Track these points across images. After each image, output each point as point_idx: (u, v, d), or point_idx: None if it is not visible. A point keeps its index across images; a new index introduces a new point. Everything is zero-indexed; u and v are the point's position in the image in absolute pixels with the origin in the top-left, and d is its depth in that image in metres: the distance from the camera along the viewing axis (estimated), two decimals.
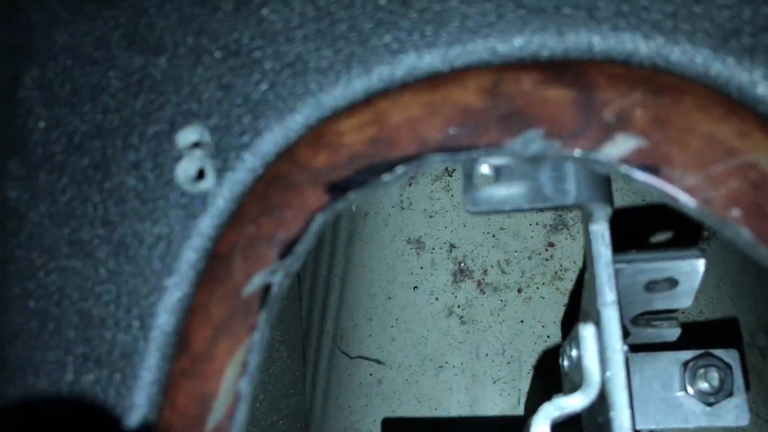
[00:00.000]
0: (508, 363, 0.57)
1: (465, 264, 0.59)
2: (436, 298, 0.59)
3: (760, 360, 0.58)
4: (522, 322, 0.57)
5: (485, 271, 0.59)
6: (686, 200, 0.22)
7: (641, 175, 0.23)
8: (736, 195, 0.22)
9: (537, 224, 0.59)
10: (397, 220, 0.62)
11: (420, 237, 0.61)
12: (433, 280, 0.59)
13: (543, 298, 0.57)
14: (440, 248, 0.60)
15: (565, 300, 0.57)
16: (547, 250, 0.58)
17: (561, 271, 0.58)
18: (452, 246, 0.60)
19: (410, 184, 0.62)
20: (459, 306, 0.58)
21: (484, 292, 0.58)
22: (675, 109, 0.23)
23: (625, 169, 0.23)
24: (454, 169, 0.61)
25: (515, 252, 0.59)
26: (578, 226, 0.58)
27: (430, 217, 0.61)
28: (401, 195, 0.62)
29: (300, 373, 0.64)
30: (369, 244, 0.63)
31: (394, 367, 0.59)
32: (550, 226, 0.58)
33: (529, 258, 0.58)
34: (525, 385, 0.56)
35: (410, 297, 0.60)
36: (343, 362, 0.62)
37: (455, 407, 0.57)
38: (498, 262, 0.59)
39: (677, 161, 0.22)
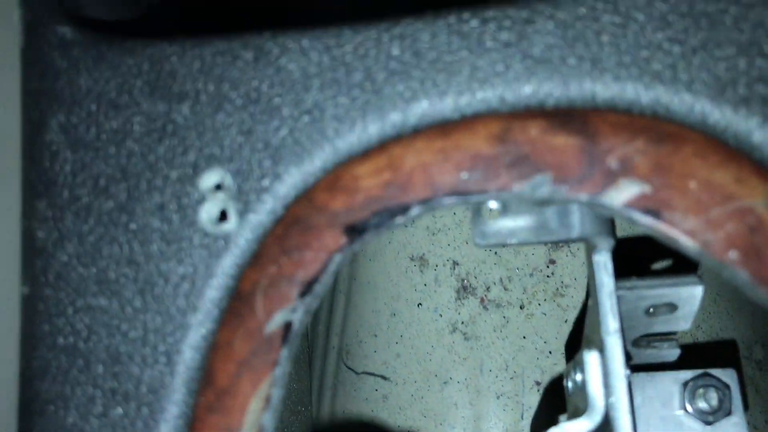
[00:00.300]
0: (511, 378, 0.58)
1: (468, 281, 0.60)
2: (440, 315, 0.60)
3: (757, 373, 0.59)
4: (524, 338, 0.58)
5: (488, 288, 0.60)
6: (686, 242, 0.24)
7: (644, 219, 0.24)
8: (733, 238, 0.23)
9: None
10: (400, 238, 0.64)
11: (423, 254, 0.62)
12: (436, 297, 0.61)
13: (545, 314, 0.58)
14: (443, 265, 0.61)
15: (566, 316, 0.58)
16: (548, 267, 0.59)
17: (562, 287, 0.59)
18: (455, 263, 0.61)
19: None
20: (462, 322, 0.60)
21: (487, 309, 0.60)
22: (675, 155, 0.24)
23: (628, 212, 0.24)
24: None
25: (517, 269, 0.60)
26: (579, 244, 0.60)
27: (433, 234, 0.62)
28: (407, 225, 0.63)
29: (307, 390, 0.65)
30: (373, 261, 0.64)
31: (399, 382, 0.60)
32: (551, 243, 0.60)
33: (531, 275, 0.59)
34: (528, 400, 0.57)
35: (414, 313, 0.61)
36: (348, 378, 0.63)
37: (460, 422, 0.58)
38: (500, 279, 0.60)
39: (678, 206, 0.24)
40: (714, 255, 0.23)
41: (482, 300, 0.60)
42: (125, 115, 0.28)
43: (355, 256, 0.66)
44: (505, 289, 0.60)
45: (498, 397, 0.58)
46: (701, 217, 0.23)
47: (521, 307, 0.59)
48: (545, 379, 0.57)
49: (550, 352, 0.58)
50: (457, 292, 0.61)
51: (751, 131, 0.24)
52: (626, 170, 0.24)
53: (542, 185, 0.25)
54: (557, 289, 0.59)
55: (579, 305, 0.59)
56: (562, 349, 0.58)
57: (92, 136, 0.28)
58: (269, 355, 0.26)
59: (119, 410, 0.27)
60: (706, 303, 0.60)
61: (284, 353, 0.26)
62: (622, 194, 0.24)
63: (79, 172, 0.28)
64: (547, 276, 0.59)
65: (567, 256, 0.60)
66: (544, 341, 0.58)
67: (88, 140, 0.28)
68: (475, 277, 0.61)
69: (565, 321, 0.58)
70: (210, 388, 0.26)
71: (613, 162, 0.24)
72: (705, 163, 0.24)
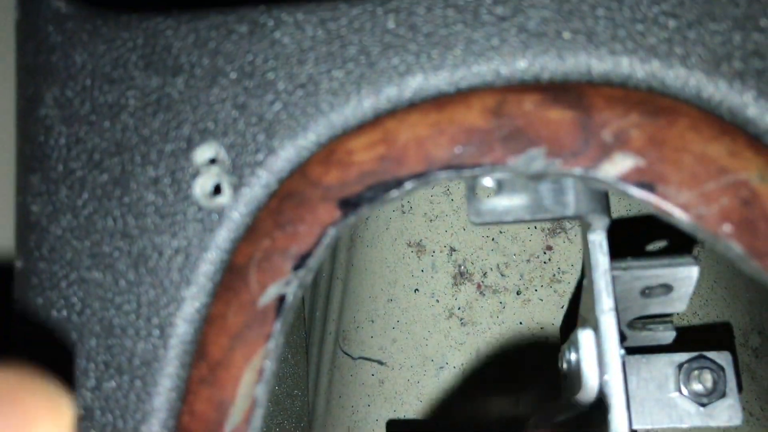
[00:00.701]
0: (508, 363, 0.58)
1: (465, 267, 0.60)
2: (437, 300, 0.60)
3: (753, 360, 0.60)
4: (521, 323, 0.58)
5: (485, 274, 0.60)
6: (680, 216, 0.24)
7: (638, 192, 0.24)
8: (727, 211, 0.23)
9: (535, 228, 0.60)
10: (398, 224, 0.64)
11: (421, 240, 0.62)
12: (433, 283, 0.61)
13: (541, 300, 0.59)
14: (440, 251, 0.61)
15: (563, 302, 0.58)
16: (545, 253, 0.59)
17: (559, 273, 0.59)
18: (452, 249, 0.61)
19: None
20: (459, 308, 0.60)
21: (484, 295, 0.60)
22: (670, 129, 0.24)
23: (622, 186, 0.24)
24: None
25: (514, 255, 0.60)
26: (576, 230, 0.60)
27: (431, 221, 0.62)
28: (402, 199, 0.64)
29: (303, 374, 0.65)
30: (370, 247, 0.64)
31: (395, 367, 0.60)
32: (548, 230, 0.60)
33: (528, 261, 0.60)
34: (524, 385, 0.57)
35: (411, 299, 0.61)
36: (345, 363, 0.63)
37: (455, 407, 0.58)
38: (497, 265, 0.60)
39: (672, 179, 0.24)
40: (708, 228, 0.23)
41: (479, 286, 0.60)
42: (120, 90, 0.28)
43: (352, 242, 0.66)
44: (502, 275, 0.60)
45: (494, 383, 0.58)
46: (695, 191, 0.23)
47: (518, 293, 0.59)
48: (542, 365, 0.57)
49: (547, 338, 0.58)
50: (454, 278, 0.61)
51: (746, 105, 0.24)
52: (621, 144, 0.24)
53: (536, 159, 0.25)
54: (554, 275, 0.59)
55: (572, 295, 0.59)
56: (558, 335, 0.58)
57: (87, 110, 0.28)
58: (263, 328, 0.26)
59: (112, 383, 0.27)
60: (702, 290, 0.60)
61: (277, 326, 0.26)
62: (616, 168, 0.24)
63: (73, 146, 0.28)
64: (544, 262, 0.59)
65: (564, 242, 0.60)
66: (540, 327, 0.58)
67: (83, 114, 0.28)
68: (472, 263, 0.61)
69: (562, 306, 0.58)
70: (203, 361, 0.26)
71: (607, 136, 0.24)
72: (699, 137, 0.24)
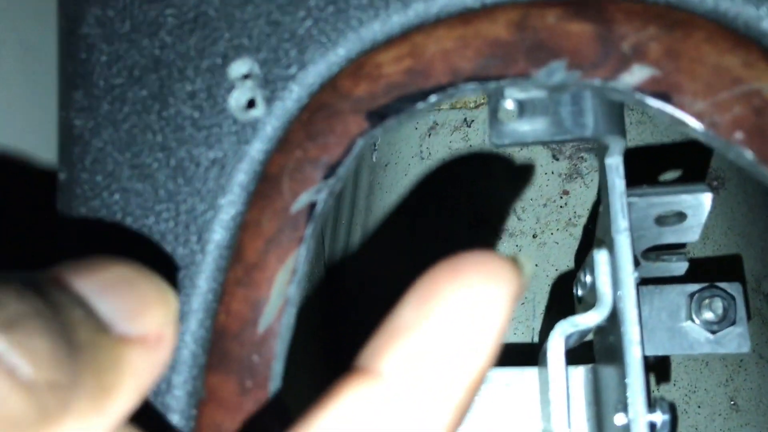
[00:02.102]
0: (522, 304, 0.59)
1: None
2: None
3: (765, 305, 0.61)
4: (536, 265, 0.60)
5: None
6: (694, 124, 0.25)
7: (654, 102, 0.25)
8: (740, 120, 0.24)
9: (552, 173, 0.61)
10: (416, 170, 0.65)
11: None
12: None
13: (557, 243, 0.60)
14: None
15: (578, 245, 0.60)
16: (561, 197, 0.61)
17: (575, 217, 0.60)
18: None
19: (429, 135, 0.64)
20: None
21: (500, 238, 0.61)
22: (686, 42, 0.25)
23: (639, 96, 0.25)
24: (473, 120, 0.63)
25: (531, 199, 0.61)
26: (592, 175, 0.61)
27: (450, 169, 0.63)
28: (421, 145, 0.65)
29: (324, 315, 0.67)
30: (389, 193, 0.66)
31: None
32: (565, 174, 0.61)
33: (544, 205, 0.61)
34: (538, 324, 0.59)
35: None
36: None
37: None
38: (514, 209, 0.61)
39: (687, 89, 0.25)
40: (721, 135, 0.24)
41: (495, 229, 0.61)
42: (158, 8, 0.29)
43: (371, 189, 0.68)
44: (519, 219, 0.61)
45: (509, 322, 0.59)
46: (709, 100, 0.25)
47: (534, 236, 0.60)
48: (556, 305, 0.59)
49: (561, 280, 0.59)
50: (470, 221, 0.62)
51: (762, 18, 0.25)
52: (639, 55, 0.25)
53: (558, 71, 0.26)
54: (570, 219, 0.60)
55: (591, 234, 0.60)
56: (573, 277, 0.59)
57: (127, 29, 0.29)
58: (295, 232, 0.27)
59: None
60: (716, 236, 0.61)
61: (309, 231, 0.27)
62: (634, 78, 0.25)
63: (114, 63, 0.29)
64: (561, 206, 0.61)
65: (581, 187, 0.61)
66: (555, 269, 0.59)
67: (123, 33, 0.29)
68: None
69: (577, 250, 0.60)
70: (239, 264, 0.27)
71: (626, 48, 0.25)
72: (715, 49, 0.25)
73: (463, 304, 0.18)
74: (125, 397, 0.19)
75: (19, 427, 0.16)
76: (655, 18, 0.25)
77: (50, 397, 0.16)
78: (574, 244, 0.60)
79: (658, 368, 0.55)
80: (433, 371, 0.18)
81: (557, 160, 0.60)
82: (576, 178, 0.61)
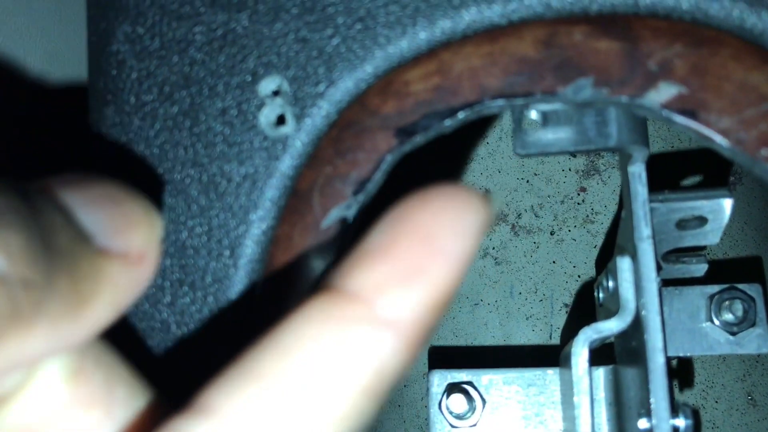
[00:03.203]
0: (540, 301, 0.60)
1: (500, 208, 0.62)
2: None
3: None
4: (554, 262, 0.60)
5: (519, 215, 0.62)
6: (720, 141, 0.25)
7: (680, 119, 0.25)
8: (766, 136, 0.25)
9: (569, 170, 0.61)
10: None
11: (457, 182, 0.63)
12: None
13: (574, 240, 0.60)
14: None
15: (596, 242, 0.60)
16: (579, 194, 0.61)
17: (592, 214, 0.60)
18: (487, 191, 0.62)
19: None
20: (494, 248, 0.61)
21: (518, 235, 0.61)
22: (712, 59, 0.25)
23: (666, 113, 0.25)
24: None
25: (548, 196, 0.61)
26: (609, 172, 0.61)
27: (466, 164, 0.64)
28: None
29: None
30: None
31: None
32: (582, 171, 0.61)
33: (562, 202, 0.61)
34: (556, 321, 0.59)
35: None
36: None
37: (490, 341, 0.60)
38: (531, 206, 0.61)
39: (713, 106, 0.25)
40: (747, 152, 0.25)
41: (513, 226, 0.62)
42: (187, 26, 0.30)
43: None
44: (536, 216, 0.61)
45: (527, 318, 0.60)
46: (735, 117, 0.25)
47: (551, 233, 0.61)
48: (574, 302, 0.59)
49: (579, 276, 0.60)
50: None
51: None
52: (665, 73, 0.25)
53: (585, 88, 0.26)
54: (587, 215, 0.60)
55: (608, 231, 0.60)
56: (591, 273, 0.60)
57: (156, 46, 0.30)
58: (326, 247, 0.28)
59: (186, 299, 0.29)
60: (733, 231, 0.61)
61: (339, 246, 0.28)
62: (660, 95, 0.25)
63: (144, 79, 0.30)
64: (578, 203, 0.61)
65: (598, 184, 0.61)
66: (573, 265, 0.60)
67: (153, 49, 0.30)
68: (507, 205, 0.62)
69: (594, 246, 0.60)
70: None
71: (653, 65, 0.25)
72: (741, 66, 0.25)
73: (427, 229, 0.18)
74: (101, 309, 0.19)
75: None
76: (682, 35, 0.26)
77: (23, 294, 0.16)
78: (592, 241, 0.60)
79: (679, 368, 0.56)
80: (408, 283, 0.18)
81: (574, 156, 0.60)
82: (593, 174, 0.61)
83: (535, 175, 0.62)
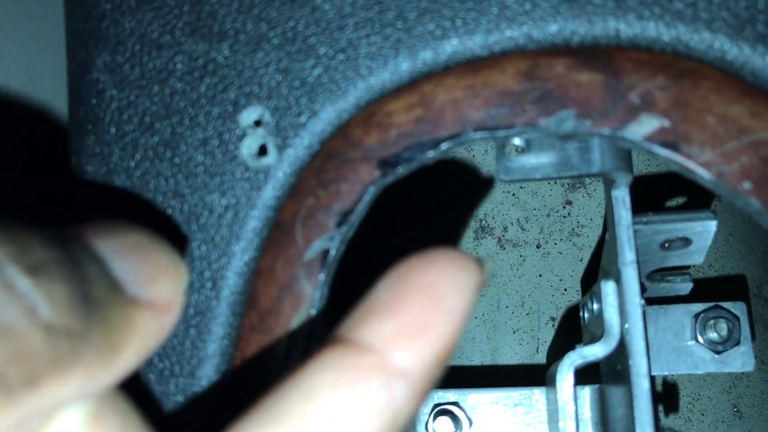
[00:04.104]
0: (527, 314, 0.60)
1: (486, 222, 0.62)
2: None
3: (766, 310, 0.61)
4: (540, 275, 0.60)
5: (505, 228, 0.62)
6: (702, 174, 0.25)
7: (662, 151, 0.25)
8: (747, 169, 0.25)
9: (555, 183, 0.61)
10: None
11: None
12: None
13: (560, 253, 0.60)
14: None
15: (581, 255, 0.60)
16: (564, 207, 0.61)
17: (578, 227, 0.60)
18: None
19: None
20: None
21: (505, 248, 0.61)
22: (694, 91, 0.25)
23: (648, 145, 0.25)
24: None
25: (534, 210, 0.61)
26: (595, 185, 0.61)
27: (452, 177, 0.64)
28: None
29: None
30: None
31: None
32: (568, 184, 0.61)
33: (548, 215, 0.61)
34: (543, 334, 0.59)
35: None
36: None
37: (477, 355, 0.60)
38: (518, 219, 0.61)
39: (695, 139, 0.25)
40: (728, 185, 0.25)
41: (499, 240, 0.62)
42: (168, 55, 0.29)
43: None
44: (522, 229, 0.61)
45: (514, 332, 0.60)
46: (717, 150, 0.25)
47: (538, 246, 0.61)
48: (560, 315, 0.59)
49: (565, 289, 0.60)
50: (475, 232, 0.62)
51: None
52: (647, 105, 0.25)
53: (567, 120, 0.26)
54: (573, 228, 0.60)
55: (594, 244, 0.60)
56: (577, 287, 0.60)
57: (137, 75, 0.30)
58: (309, 280, 0.27)
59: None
60: (718, 243, 0.61)
61: (322, 278, 0.27)
62: (642, 128, 0.25)
63: (125, 109, 0.30)
64: (564, 216, 0.61)
65: (583, 197, 0.61)
66: (559, 279, 0.60)
67: (133, 79, 0.30)
68: (493, 218, 0.62)
69: (581, 260, 0.60)
70: (254, 311, 0.28)
71: (634, 97, 0.25)
72: (722, 99, 0.25)
73: (432, 289, 0.20)
74: (130, 357, 0.19)
75: (34, 366, 0.16)
76: (663, 67, 0.26)
77: (64, 342, 0.17)
78: (578, 254, 0.60)
79: (665, 391, 0.56)
80: (417, 337, 0.19)
81: (569, 178, 0.60)
82: (579, 188, 0.61)
83: (521, 188, 0.62)
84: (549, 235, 0.61)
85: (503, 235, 0.61)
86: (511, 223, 0.61)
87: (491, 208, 0.62)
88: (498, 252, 0.61)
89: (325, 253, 0.28)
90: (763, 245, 0.63)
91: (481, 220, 0.62)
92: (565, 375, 0.34)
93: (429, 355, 0.19)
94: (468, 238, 0.62)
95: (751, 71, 0.25)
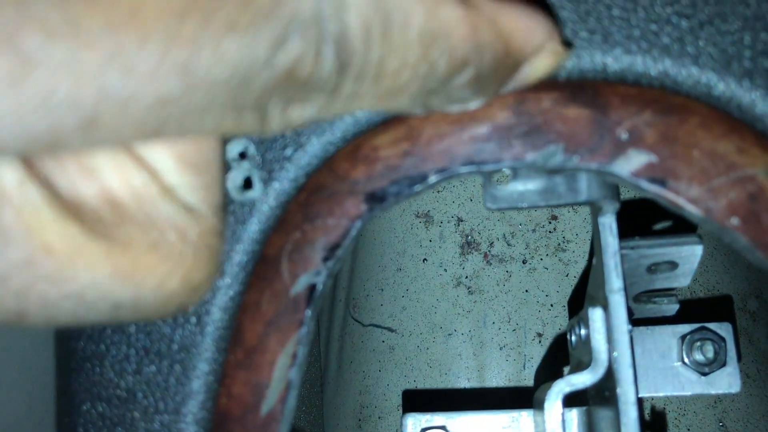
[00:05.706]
0: (514, 330, 0.60)
1: (472, 237, 0.62)
2: (445, 270, 0.62)
3: (751, 324, 0.62)
4: (527, 291, 0.60)
5: (491, 244, 0.61)
6: (690, 209, 0.25)
7: (650, 187, 0.25)
8: (735, 205, 0.25)
9: None
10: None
11: (429, 211, 0.63)
12: (441, 253, 0.62)
13: (546, 268, 0.60)
14: (448, 222, 0.63)
15: (567, 270, 0.60)
16: (550, 222, 0.61)
17: (564, 242, 0.60)
18: (459, 220, 0.62)
19: None
20: (466, 277, 0.61)
21: (491, 264, 0.61)
22: (681, 127, 0.25)
23: (635, 181, 0.25)
24: None
25: (520, 225, 0.61)
26: None
27: (438, 192, 0.63)
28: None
29: (315, 341, 0.67)
30: (379, 218, 0.66)
31: (405, 334, 0.62)
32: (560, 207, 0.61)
33: (533, 231, 0.61)
34: (530, 350, 0.59)
35: (420, 268, 0.63)
36: (356, 330, 0.65)
37: (464, 372, 0.60)
38: (504, 234, 0.61)
39: (683, 175, 0.25)
40: (716, 221, 0.25)
41: (485, 255, 0.62)
42: None
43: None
44: (508, 244, 0.61)
45: (501, 348, 0.60)
46: (705, 186, 0.25)
47: (524, 262, 0.61)
48: (547, 331, 0.59)
49: (552, 305, 0.60)
50: (462, 247, 0.62)
51: (755, 103, 0.25)
52: (635, 141, 0.25)
53: (554, 155, 0.26)
54: (559, 244, 0.61)
55: (580, 260, 0.60)
56: (564, 302, 0.60)
57: None
58: (295, 315, 0.27)
59: (152, 367, 0.28)
60: (703, 257, 0.61)
61: (309, 313, 0.27)
62: (630, 164, 0.25)
63: None
64: (550, 231, 0.61)
65: (569, 212, 0.61)
66: (545, 294, 0.60)
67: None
68: (479, 233, 0.62)
69: (567, 275, 0.60)
70: (239, 347, 0.28)
71: (622, 133, 0.25)
72: (709, 134, 0.25)
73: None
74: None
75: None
76: (651, 102, 0.26)
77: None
78: (564, 269, 0.60)
79: (653, 420, 0.56)
80: None
81: (555, 207, 0.60)
82: None
83: (514, 209, 0.61)
84: (535, 250, 0.61)
85: (489, 251, 0.61)
86: (497, 239, 0.61)
87: (477, 224, 0.62)
88: (484, 267, 0.61)
89: (312, 288, 0.27)
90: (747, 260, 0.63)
91: (467, 236, 0.62)
92: (553, 403, 0.34)
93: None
94: (455, 253, 0.62)
95: (738, 106, 0.25)
